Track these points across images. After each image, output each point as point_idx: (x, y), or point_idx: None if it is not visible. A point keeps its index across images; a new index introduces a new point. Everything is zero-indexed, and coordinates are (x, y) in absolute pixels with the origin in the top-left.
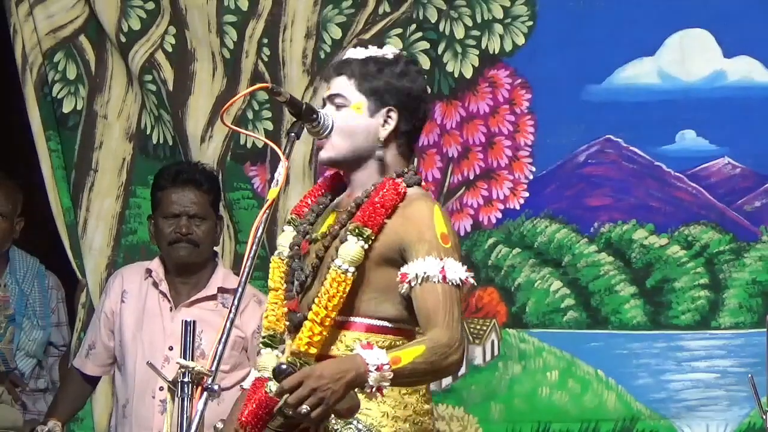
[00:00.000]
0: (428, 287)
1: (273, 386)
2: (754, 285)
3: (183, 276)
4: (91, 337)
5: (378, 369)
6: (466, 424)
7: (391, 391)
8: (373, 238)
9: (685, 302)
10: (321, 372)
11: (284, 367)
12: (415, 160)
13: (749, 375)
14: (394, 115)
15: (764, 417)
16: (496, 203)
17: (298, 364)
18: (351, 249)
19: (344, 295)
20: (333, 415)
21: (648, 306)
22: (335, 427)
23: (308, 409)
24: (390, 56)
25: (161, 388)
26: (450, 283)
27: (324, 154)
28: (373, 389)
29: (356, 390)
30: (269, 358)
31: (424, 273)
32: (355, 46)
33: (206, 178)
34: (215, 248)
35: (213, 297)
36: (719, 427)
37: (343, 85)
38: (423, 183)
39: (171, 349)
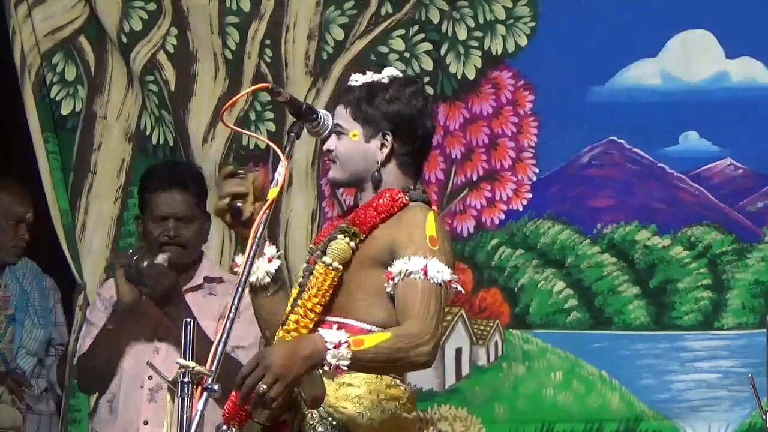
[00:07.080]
0: (408, 282)
1: None
2: (757, 285)
3: None
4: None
5: (336, 346)
6: (469, 424)
7: (369, 394)
8: (361, 237)
9: (688, 303)
10: (274, 351)
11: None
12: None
13: (749, 375)
14: (389, 138)
15: (764, 417)
16: (500, 204)
17: None
18: (336, 244)
19: (329, 290)
20: (303, 404)
21: (651, 307)
22: (310, 422)
23: (265, 387)
24: (385, 80)
25: (150, 377)
26: (431, 281)
27: (330, 175)
28: (332, 367)
29: (321, 374)
30: None
31: (407, 270)
32: (357, 72)
33: (192, 178)
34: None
35: (200, 287)
36: (721, 427)
37: (341, 114)
38: (431, 202)
39: (161, 340)
